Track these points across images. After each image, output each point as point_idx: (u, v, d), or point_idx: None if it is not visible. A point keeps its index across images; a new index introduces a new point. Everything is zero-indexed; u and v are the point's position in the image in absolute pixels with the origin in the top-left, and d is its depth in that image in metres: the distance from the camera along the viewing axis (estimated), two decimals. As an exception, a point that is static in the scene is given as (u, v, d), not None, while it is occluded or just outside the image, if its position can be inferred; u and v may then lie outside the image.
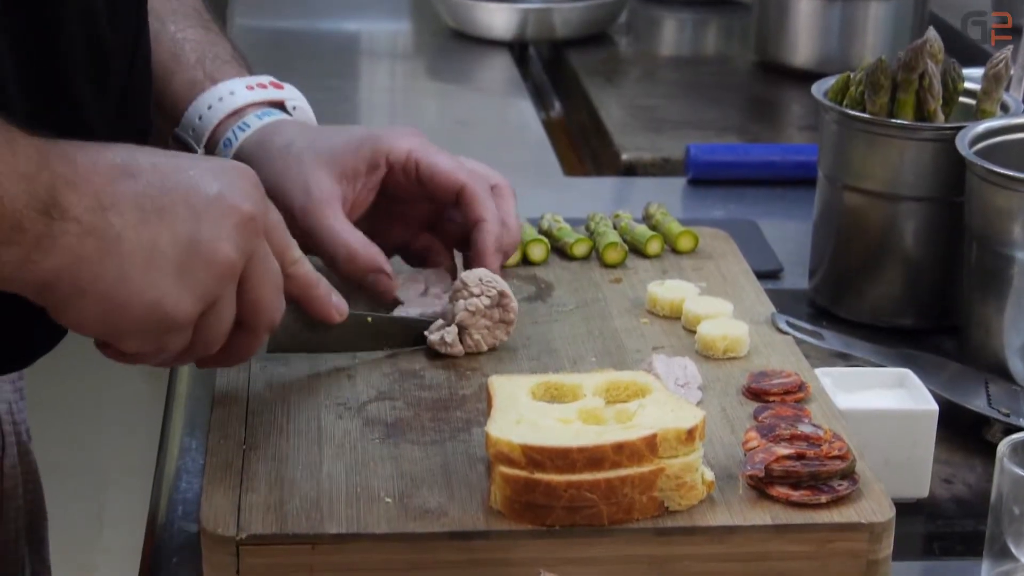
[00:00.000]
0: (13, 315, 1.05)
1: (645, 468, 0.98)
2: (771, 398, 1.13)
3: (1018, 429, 1.17)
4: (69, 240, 0.92)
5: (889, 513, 1.00)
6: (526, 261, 1.35)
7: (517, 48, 2.53)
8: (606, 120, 2.14)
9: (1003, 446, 1.03)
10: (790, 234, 1.66)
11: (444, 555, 0.98)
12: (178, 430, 1.27)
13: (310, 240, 1.20)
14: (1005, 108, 1.45)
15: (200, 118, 1.26)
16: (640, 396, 1.05)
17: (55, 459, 1.34)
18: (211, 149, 1.26)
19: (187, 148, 1.26)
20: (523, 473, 0.97)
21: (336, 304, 1.11)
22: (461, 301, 1.19)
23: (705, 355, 1.20)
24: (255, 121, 1.26)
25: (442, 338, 1.18)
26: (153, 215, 0.96)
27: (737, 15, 2.66)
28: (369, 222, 1.25)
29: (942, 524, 1.17)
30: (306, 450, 1.06)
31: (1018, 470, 1.01)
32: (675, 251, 1.39)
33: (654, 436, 0.98)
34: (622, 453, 0.98)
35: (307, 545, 0.97)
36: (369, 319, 1.18)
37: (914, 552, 1.15)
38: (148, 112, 1.18)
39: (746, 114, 2.26)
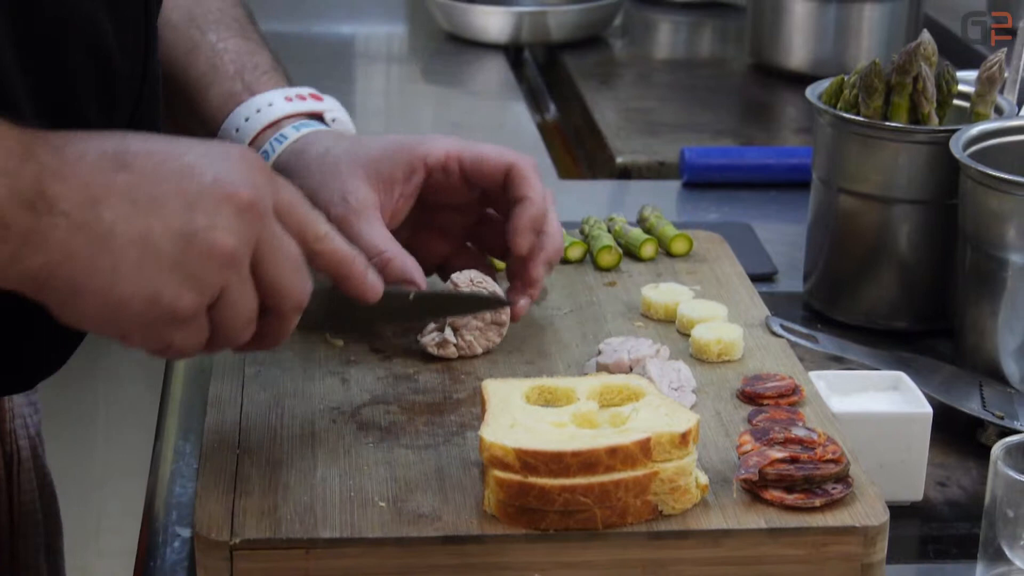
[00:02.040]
0: (20, 337, 1.05)
1: (639, 472, 0.98)
2: (765, 401, 1.13)
3: (1012, 432, 1.17)
4: (59, 235, 0.90)
5: (883, 516, 1.00)
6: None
7: (512, 51, 2.53)
8: (601, 123, 2.14)
9: (997, 449, 1.03)
10: (784, 237, 1.66)
11: (438, 559, 0.97)
12: (172, 434, 1.27)
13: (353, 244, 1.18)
14: (999, 111, 1.45)
15: (237, 130, 1.25)
16: (634, 400, 1.05)
17: (49, 464, 1.34)
18: None
19: None
20: (517, 477, 0.97)
21: (372, 282, 1.06)
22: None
23: (699, 358, 1.20)
24: (292, 132, 1.25)
25: (435, 340, 1.18)
26: (145, 207, 0.92)
27: (732, 18, 2.66)
28: (408, 235, 1.23)
29: (936, 527, 1.17)
30: (300, 454, 1.06)
31: (1012, 473, 1.01)
32: (669, 254, 1.39)
33: (648, 440, 0.98)
34: (616, 457, 0.98)
35: (301, 549, 0.97)
36: (411, 295, 1.16)
37: (908, 555, 1.15)
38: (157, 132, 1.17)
39: (741, 117, 2.26)
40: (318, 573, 0.97)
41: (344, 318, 1.12)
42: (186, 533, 1.12)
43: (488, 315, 1.19)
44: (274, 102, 1.26)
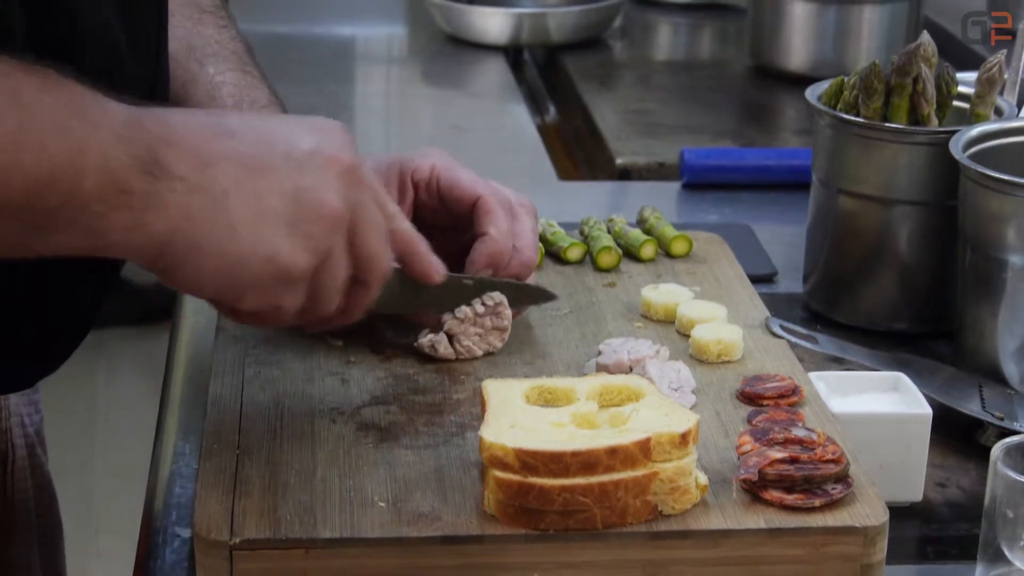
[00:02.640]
0: (21, 336, 1.05)
1: (639, 472, 0.98)
2: (765, 402, 1.13)
3: (1012, 433, 1.17)
4: (177, 198, 0.92)
5: (883, 517, 1.00)
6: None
7: (512, 53, 2.53)
8: (601, 125, 2.14)
9: (997, 450, 1.03)
10: (784, 238, 1.67)
11: (438, 559, 0.97)
12: (172, 435, 1.27)
13: None
14: (999, 112, 1.45)
15: None
16: (634, 400, 1.05)
17: (49, 464, 1.34)
18: None
19: None
20: (517, 477, 0.97)
21: (436, 264, 1.10)
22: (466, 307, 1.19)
23: (699, 359, 1.20)
24: None
25: (431, 343, 1.18)
26: (256, 170, 0.95)
27: (732, 19, 2.66)
28: None
29: (936, 528, 1.17)
30: (300, 455, 1.06)
31: (1012, 474, 1.01)
32: (669, 255, 1.39)
33: (648, 440, 0.98)
34: (616, 457, 0.98)
35: (301, 550, 0.97)
36: (470, 282, 1.18)
37: (908, 556, 1.15)
38: None
39: (740, 118, 2.26)
40: (317, 573, 0.97)
41: (409, 300, 1.14)
42: (186, 533, 1.12)
43: (489, 321, 1.19)
44: None
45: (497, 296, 1.20)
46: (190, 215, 0.93)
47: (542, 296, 1.24)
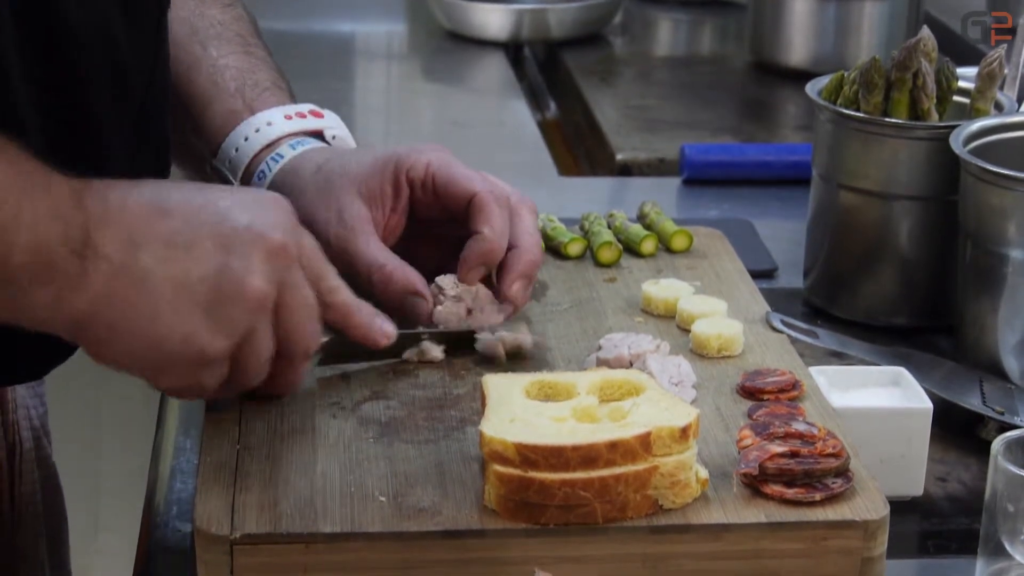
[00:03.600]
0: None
1: (639, 466, 0.98)
2: (765, 396, 1.13)
3: (1012, 427, 1.17)
4: (100, 278, 0.94)
5: (883, 511, 1.00)
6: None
7: (512, 49, 2.53)
8: (601, 120, 2.14)
9: (997, 444, 1.03)
10: (785, 233, 1.67)
11: (438, 554, 0.97)
12: (172, 430, 1.27)
13: (346, 265, 1.17)
14: (999, 107, 1.45)
15: (236, 150, 1.24)
16: (634, 394, 1.05)
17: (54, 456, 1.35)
18: (247, 181, 1.24)
19: (224, 180, 1.25)
20: (517, 472, 0.97)
21: (381, 328, 1.10)
22: (439, 307, 1.18)
23: (699, 354, 1.20)
24: (288, 151, 1.24)
25: (420, 352, 1.17)
26: (182, 251, 0.96)
27: (732, 15, 2.66)
28: (404, 247, 1.22)
29: (936, 522, 1.17)
30: (300, 449, 1.06)
31: (1012, 468, 1.01)
32: (669, 250, 1.38)
33: (648, 434, 0.98)
34: (616, 451, 0.98)
35: (301, 544, 0.97)
36: (423, 335, 1.18)
37: (909, 550, 1.15)
38: (166, 131, 1.17)
39: (741, 114, 2.26)
40: (318, 568, 0.97)
41: (357, 352, 1.14)
42: (186, 528, 1.12)
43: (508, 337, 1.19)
44: (273, 121, 1.25)
45: (481, 289, 1.19)
46: (111, 296, 0.94)
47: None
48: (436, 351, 1.18)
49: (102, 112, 1.06)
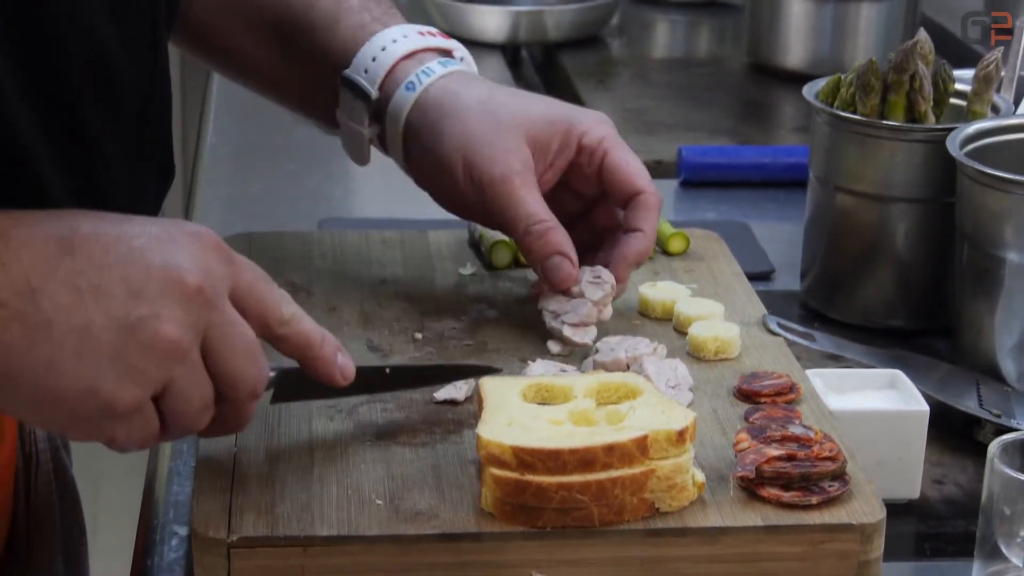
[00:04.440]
0: None
1: (636, 469, 0.98)
2: (762, 399, 1.13)
3: (1009, 430, 1.17)
4: None
5: (880, 514, 1.00)
6: (518, 264, 1.35)
7: (510, 51, 2.53)
8: (598, 122, 2.14)
9: (994, 447, 1.03)
10: (782, 236, 1.67)
11: (435, 557, 0.98)
12: (169, 433, 1.27)
13: (497, 208, 1.15)
14: (996, 109, 1.45)
15: (374, 59, 1.21)
16: (631, 398, 1.05)
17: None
18: (388, 91, 1.21)
19: (359, 92, 1.22)
20: (514, 475, 0.97)
21: (341, 365, 1.01)
22: (577, 287, 1.19)
23: (696, 357, 1.20)
24: (439, 68, 1.21)
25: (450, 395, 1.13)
26: (88, 296, 0.88)
27: (729, 17, 2.66)
28: None
29: (933, 525, 1.17)
30: (297, 452, 1.06)
31: (1009, 471, 1.02)
32: (666, 253, 1.39)
33: (645, 437, 0.99)
34: (613, 455, 0.98)
35: (298, 547, 0.97)
36: (387, 370, 1.12)
37: (905, 553, 1.15)
38: (169, 147, 1.14)
39: (738, 116, 2.26)
40: (315, 571, 0.97)
41: (319, 393, 1.07)
42: (183, 531, 1.12)
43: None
44: (408, 34, 1.23)
45: (607, 277, 1.20)
46: (5, 344, 0.87)
47: (479, 371, 1.14)
48: (464, 390, 1.13)
49: (97, 122, 1.04)
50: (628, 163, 1.20)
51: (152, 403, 0.92)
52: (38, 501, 1.25)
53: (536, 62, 2.57)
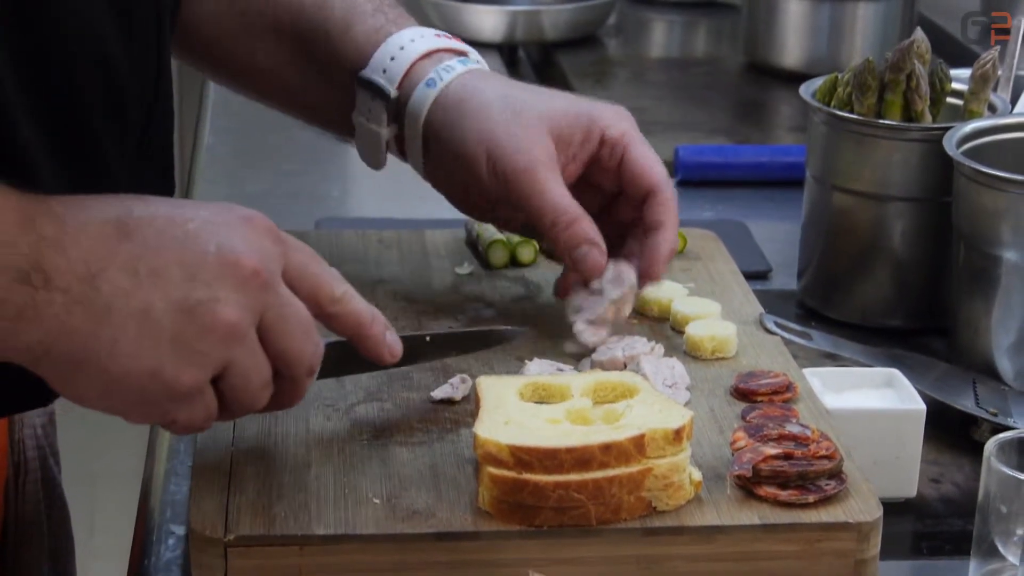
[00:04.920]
0: None
1: (633, 468, 0.98)
2: (759, 398, 1.13)
3: (1005, 428, 1.17)
4: (55, 311, 0.88)
5: (877, 513, 1.00)
6: (514, 263, 1.35)
7: (506, 50, 2.53)
8: (595, 122, 2.14)
9: (990, 445, 1.04)
10: (779, 235, 1.67)
11: (432, 556, 0.98)
12: (166, 433, 1.27)
13: (522, 202, 1.16)
14: (992, 108, 1.45)
15: (392, 59, 1.22)
16: (628, 397, 1.05)
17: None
18: (407, 89, 1.22)
19: (377, 92, 1.22)
20: (511, 474, 0.97)
21: (390, 343, 1.03)
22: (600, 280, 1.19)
23: (693, 356, 1.20)
24: (459, 66, 1.22)
25: (447, 393, 1.14)
26: (146, 279, 0.90)
27: (726, 17, 2.66)
28: None
29: (930, 523, 1.17)
30: (294, 452, 1.06)
31: (1005, 469, 1.02)
32: (663, 252, 1.38)
33: (642, 436, 0.99)
34: (610, 453, 0.98)
35: (295, 546, 0.97)
36: (427, 338, 1.14)
37: (902, 552, 1.15)
38: (171, 150, 1.15)
39: (735, 116, 2.26)
40: (312, 570, 0.97)
41: (364, 366, 1.09)
42: (181, 531, 1.12)
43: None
44: (424, 35, 1.24)
45: (628, 275, 1.20)
46: (68, 328, 0.88)
47: (504, 337, 1.18)
48: (458, 389, 1.14)
49: (100, 127, 1.04)
50: (645, 159, 1.21)
51: (211, 385, 0.94)
52: (26, 509, 1.25)
53: (533, 62, 2.57)
